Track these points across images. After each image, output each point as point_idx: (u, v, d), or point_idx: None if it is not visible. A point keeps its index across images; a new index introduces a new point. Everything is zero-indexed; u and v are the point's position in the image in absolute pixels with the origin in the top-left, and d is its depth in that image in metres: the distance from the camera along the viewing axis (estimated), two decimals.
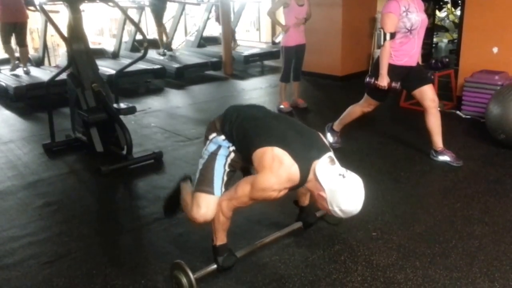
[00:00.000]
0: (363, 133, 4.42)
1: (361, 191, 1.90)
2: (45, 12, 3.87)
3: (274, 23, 5.11)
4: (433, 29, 8.80)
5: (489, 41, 4.86)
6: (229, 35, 7.71)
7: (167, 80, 7.09)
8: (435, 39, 9.89)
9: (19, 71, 6.46)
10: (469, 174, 3.49)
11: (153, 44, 8.13)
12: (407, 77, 3.60)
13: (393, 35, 3.40)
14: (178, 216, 2.92)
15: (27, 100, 5.84)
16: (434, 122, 3.65)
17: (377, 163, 3.79)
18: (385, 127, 4.66)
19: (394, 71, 3.50)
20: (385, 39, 3.40)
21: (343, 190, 1.85)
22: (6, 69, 6.74)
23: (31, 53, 7.78)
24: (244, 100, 5.98)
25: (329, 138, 4.13)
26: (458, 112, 4.97)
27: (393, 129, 4.56)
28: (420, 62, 3.71)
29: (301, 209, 2.66)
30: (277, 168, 1.88)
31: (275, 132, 1.99)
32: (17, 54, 6.68)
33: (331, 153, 1.96)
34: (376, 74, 3.54)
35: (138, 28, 4.82)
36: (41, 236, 2.76)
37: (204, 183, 2.14)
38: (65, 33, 3.92)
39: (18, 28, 6.25)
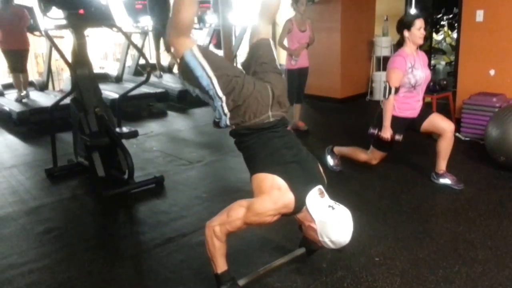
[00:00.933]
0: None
1: (350, 222, 1.96)
2: (50, 38, 3.94)
3: (285, 51, 5.21)
4: (430, 51, 8.92)
5: (486, 63, 4.91)
6: (231, 58, 7.79)
7: (169, 104, 7.14)
8: (433, 62, 10.01)
9: (24, 94, 6.52)
10: (471, 197, 3.48)
11: (152, 68, 8.24)
12: (412, 123, 3.65)
13: (397, 90, 3.45)
14: (178, 243, 2.93)
15: (31, 125, 5.88)
16: (446, 147, 3.64)
17: (378, 186, 3.79)
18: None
19: (397, 122, 3.55)
20: (389, 93, 3.45)
21: (332, 221, 1.92)
22: (10, 93, 6.82)
23: (36, 77, 7.88)
24: None
25: (329, 161, 4.13)
26: (457, 134, 4.97)
27: (395, 153, 4.53)
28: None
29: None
30: (275, 194, 1.97)
31: (280, 161, 2.04)
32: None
33: (321, 186, 2.03)
34: (379, 125, 3.58)
35: (141, 53, 4.90)
36: (41, 263, 2.74)
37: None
38: (70, 58, 4.00)
39: (19, 55, 6.33)
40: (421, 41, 3.45)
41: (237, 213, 2.01)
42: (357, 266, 2.61)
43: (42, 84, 7.32)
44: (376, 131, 3.61)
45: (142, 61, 8.50)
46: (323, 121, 6.18)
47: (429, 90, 5.33)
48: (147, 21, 7.54)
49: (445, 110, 5.48)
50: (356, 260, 2.67)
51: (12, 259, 2.79)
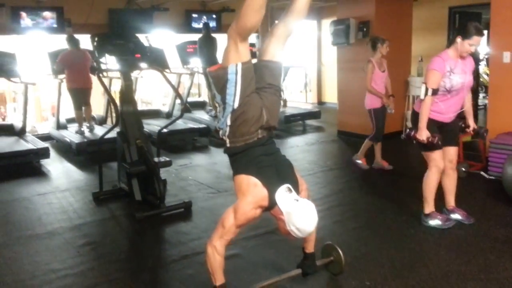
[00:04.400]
0: (384, 188, 4.60)
1: (312, 212, 2.29)
2: (100, 80, 4.59)
3: (376, 95, 5.25)
4: (477, 90, 8.88)
5: None
6: None
7: (212, 139, 7.66)
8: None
9: (84, 128, 7.33)
10: (478, 233, 3.57)
11: (201, 105, 8.94)
12: (440, 130, 3.59)
13: (435, 91, 3.43)
14: (191, 259, 3.30)
15: (87, 155, 6.57)
16: (448, 182, 3.78)
17: (389, 219, 3.96)
18: (406, 183, 4.80)
19: (429, 124, 3.52)
20: (426, 94, 3.44)
21: (297, 211, 2.26)
22: (72, 126, 7.67)
23: (97, 113, 8.74)
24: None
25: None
26: (482, 172, 5.03)
27: (415, 186, 4.66)
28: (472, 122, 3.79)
29: (304, 256, 2.88)
30: (252, 190, 2.34)
31: (257, 166, 2.39)
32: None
33: (289, 185, 2.35)
34: (416, 127, 3.57)
35: (177, 93, 5.53)
36: (76, 270, 3.23)
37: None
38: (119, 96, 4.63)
39: (84, 93, 7.17)
40: (465, 55, 3.45)
41: (229, 220, 2.36)
42: None
43: (101, 119, 8.14)
44: (412, 133, 3.56)
45: (191, 99, 9.23)
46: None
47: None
48: (196, 63, 8.25)
49: (477, 149, 5.54)
50: (348, 283, 2.91)
51: (53, 265, 3.30)
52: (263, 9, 2.18)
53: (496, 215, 3.91)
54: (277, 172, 2.42)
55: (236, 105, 2.32)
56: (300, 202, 2.30)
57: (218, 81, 2.36)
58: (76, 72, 6.94)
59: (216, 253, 2.39)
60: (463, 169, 5.00)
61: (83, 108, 7.31)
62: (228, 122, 2.38)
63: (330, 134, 7.87)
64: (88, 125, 7.35)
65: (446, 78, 3.43)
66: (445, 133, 3.61)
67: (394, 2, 7.02)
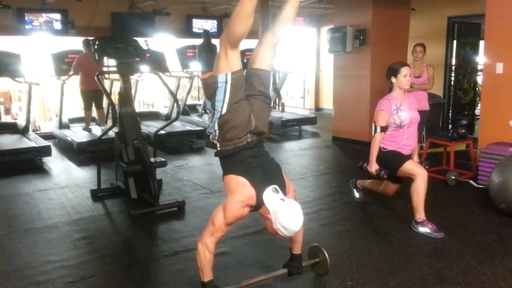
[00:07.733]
0: (374, 193, 4.70)
1: (298, 211, 2.39)
2: (100, 82, 4.75)
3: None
4: (474, 101, 9.04)
5: (506, 114, 5.07)
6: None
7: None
8: None
9: (97, 129, 7.51)
10: (463, 239, 3.68)
11: (193, 108, 9.14)
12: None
13: (383, 128, 3.85)
14: (182, 255, 3.44)
15: (87, 154, 6.73)
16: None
17: (376, 224, 4.10)
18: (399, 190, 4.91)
19: (396, 156, 3.87)
20: (375, 131, 3.86)
21: (283, 210, 2.38)
22: (75, 126, 7.85)
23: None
24: None
25: (355, 194, 4.60)
26: (471, 181, 5.15)
27: (406, 194, 4.77)
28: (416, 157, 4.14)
29: (291, 257, 2.98)
30: (240, 189, 2.45)
31: (246, 167, 2.50)
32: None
33: (276, 185, 2.48)
34: (368, 160, 3.98)
35: (174, 97, 5.69)
36: (71, 262, 3.36)
37: None
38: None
39: (95, 95, 7.36)
40: (407, 87, 3.84)
41: (219, 219, 2.47)
42: (330, 287, 2.97)
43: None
44: (364, 165, 4.00)
45: (190, 102, 9.38)
46: (351, 163, 6.46)
47: (448, 138, 5.55)
48: (196, 67, 8.42)
49: (467, 158, 5.67)
50: (330, 282, 3.03)
51: (50, 257, 3.44)
52: (251, 17, 2.30)
53: (480, 223, 4.03)
54: (265, 173, 2.53)
55: (224, 111, 2.44)
56: (286, 201, 2.41)
57: (208, 89, 2.50)
58: (89, 74, 7.06)
59: (206, 250, 2.49)
60: (453, 177, 5.13)
61: (96, 110, 7.60)
62: (216, 127, 2.50)
63: (325, 140, 8.01)
64: (103, 127, 7.50)
65: (394, 115, 3.81)
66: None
67: (391, 10, 7.16)
